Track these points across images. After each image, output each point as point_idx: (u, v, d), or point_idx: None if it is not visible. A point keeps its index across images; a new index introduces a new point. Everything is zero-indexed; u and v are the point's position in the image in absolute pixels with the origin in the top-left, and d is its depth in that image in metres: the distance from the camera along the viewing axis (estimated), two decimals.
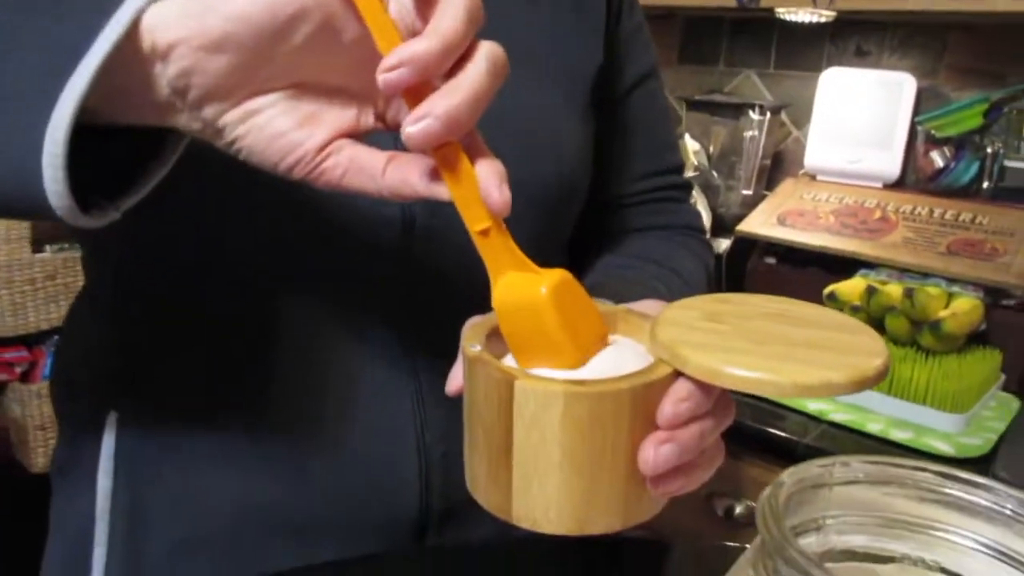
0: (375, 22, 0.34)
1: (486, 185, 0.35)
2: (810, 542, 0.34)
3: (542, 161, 0.59)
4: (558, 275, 0.38)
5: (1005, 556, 0.32)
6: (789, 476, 0.32)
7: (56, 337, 1.67)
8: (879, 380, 0.33)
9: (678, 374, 0.35)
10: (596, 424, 0.34)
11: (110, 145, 0.37)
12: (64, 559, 0.61)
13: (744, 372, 0.33)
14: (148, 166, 0.39)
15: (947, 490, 0.33)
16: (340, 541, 0.59)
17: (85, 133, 0.34)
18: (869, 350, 0.35)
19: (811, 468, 0.34)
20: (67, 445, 0.63)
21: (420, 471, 0.59)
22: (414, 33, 0.34)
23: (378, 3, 0.34)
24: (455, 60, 0.34)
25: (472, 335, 0.39)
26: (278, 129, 0.36)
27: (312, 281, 0.56)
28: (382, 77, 0.33)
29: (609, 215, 0.72)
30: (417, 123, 0.33)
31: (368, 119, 0.38)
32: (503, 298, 0.38)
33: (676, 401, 0.35)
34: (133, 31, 0.33)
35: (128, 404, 0.59)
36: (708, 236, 1.50)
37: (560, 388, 0.34)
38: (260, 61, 0.34)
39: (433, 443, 0.59)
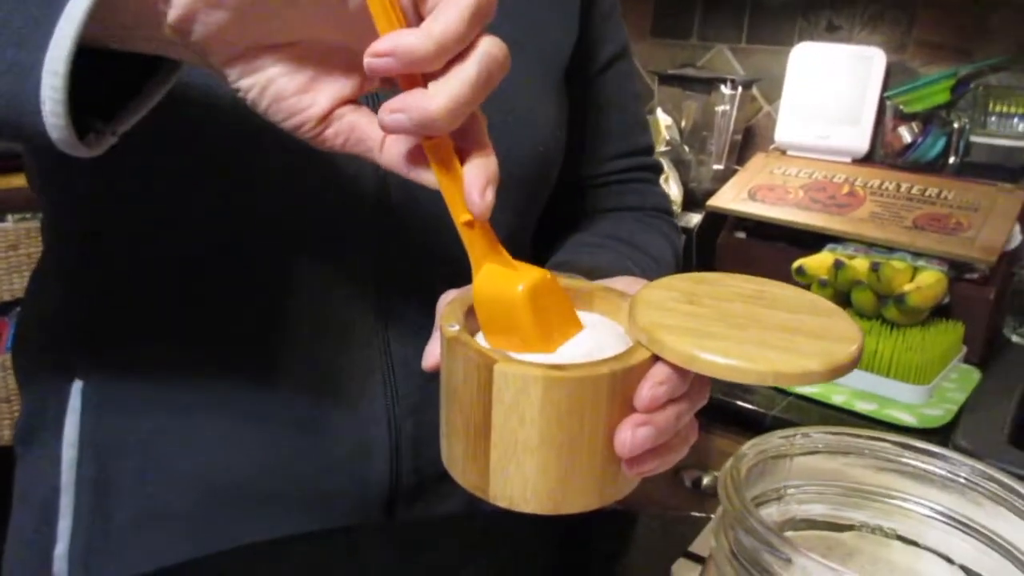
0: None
1: (469, 187, 0.35)
2: (771, 511, 0.35)
3: (518, 137, 0.59)
4: (537, 275, 0.38)
5: (958, 523, 0.33)
6: (751, 448, 0.33)
7: (20, 308, 1.64)
8: (854, 366, 0.34)
9: (656, 357, 0.36)
10: (575, 408, 0.34)
11: (106, 65, 0.36)
12: (29, 530, 0.61)
13: (721, 359, 0.33)
14: (146, 86, 0.38)
15: (904, 459, 0.34)
16: (309, 514, 0.59)
17: (83, 55, 0.33)
18: (844, 335, 0.35)
19: (772, 439, 0.34)
20: (30, 415, 0.63)
21: (390, 445, 0.59)
22: (420, 17, 0.33)
23: None
24: (450, 58, 0.33)
25: (450, 313, 0.39)
26: (281, 91, 0.35)
27: (282, 249, 0.55)
28: (367, 61, 0.32)
29: (579, 194, 0.72)
30: (391, 115, 0.33)
31: (373, 81, 0.38)
32: (482, 288, 0.38)
33: (654, 385, 0.35)
34: None
35: (93, 372, 0.58)
36: (680, 210, 1.51)
37: (540, 373, 0.34)
38: (261, 18, 0.33)
39: (404, 417, 0.59)
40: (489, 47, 0.34)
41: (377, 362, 0.58)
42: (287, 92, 0.35)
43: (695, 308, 0.37)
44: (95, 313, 0.59)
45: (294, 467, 0.58)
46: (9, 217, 1.63)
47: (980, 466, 0.32)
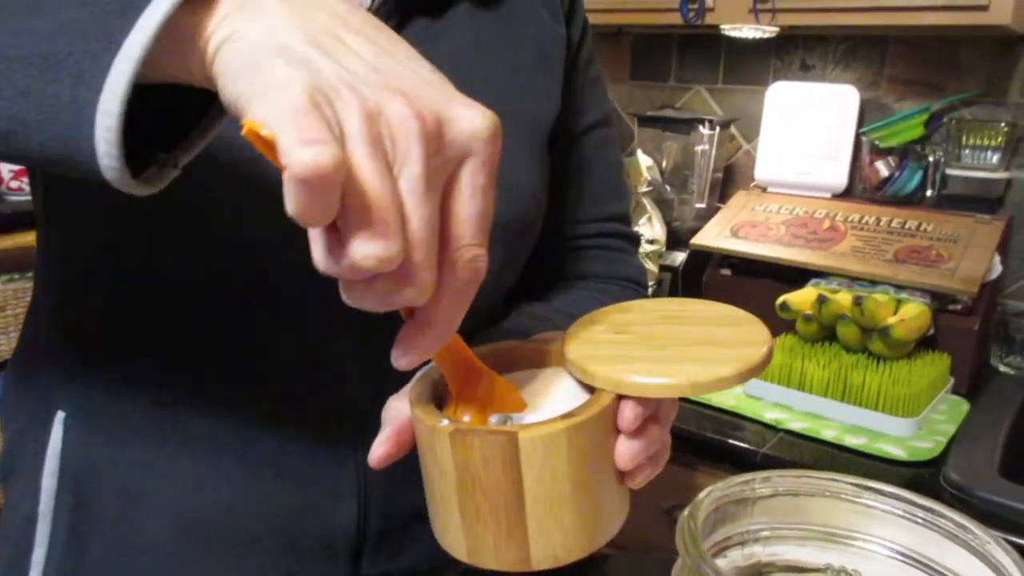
0: None
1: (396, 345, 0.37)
2: (735, 556, 0.35)
3: (500, 203, 0.60)
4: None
5: (918, 561, 0.33)
6: (706, 495, 0.33)
7: (6, 369, 1.64)
8: (765, 366, 0.38)
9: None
10: (591, 446, 0.38)
11: (163, 96, 0.36)
12: (4, 561, 0.61)
13: (646, 379, 0.37)
14: (206, 115, 0.39)
15: (862, 500, 0.34)
16: (277, 557, 0.59)
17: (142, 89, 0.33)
18: (754, 340, 0.40)
19: (732, 485, 0.34)
20: (13, 446, 0.63)
21: (358, 490, 0.59)
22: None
23: None
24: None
25: (424, 410, 0.40)
26: None
27: (256, 302, 0.56)
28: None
29: (549, 257, 0.72)
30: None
31: None
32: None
33: (634, 407, 0.39)
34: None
35: (75, 403, 0.59)
36: (664, 249, 1.53)
37: (562, 425, 0.36)
38: None
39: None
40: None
41: (345, 408, 0.59)
42: None
43: (621, 336, 0.42)
44: (79, 346, 0.60)
45: (263, 510, 0.59)
46: None
47: (936, 505, 0.32)
